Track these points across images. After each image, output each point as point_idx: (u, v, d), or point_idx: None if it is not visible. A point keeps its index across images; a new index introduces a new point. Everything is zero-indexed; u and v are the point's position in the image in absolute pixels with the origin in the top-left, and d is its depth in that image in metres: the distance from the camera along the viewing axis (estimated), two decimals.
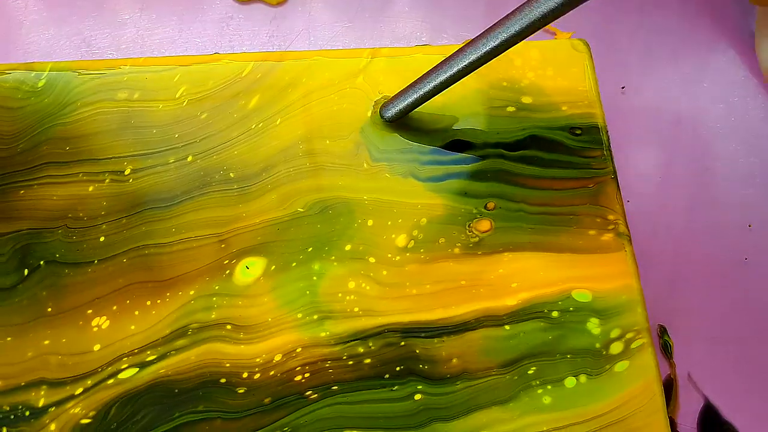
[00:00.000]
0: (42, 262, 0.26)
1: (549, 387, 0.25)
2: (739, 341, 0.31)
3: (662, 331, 0.31)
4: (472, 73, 0.29)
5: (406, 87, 0.27)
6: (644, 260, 0.31)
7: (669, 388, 0.30)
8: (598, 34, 0.36)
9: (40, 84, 0.28)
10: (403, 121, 0.28)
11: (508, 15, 0.23)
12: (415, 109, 0.28)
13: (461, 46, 0.25)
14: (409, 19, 0.36)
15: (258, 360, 0.25)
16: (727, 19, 0.37)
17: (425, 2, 0.37)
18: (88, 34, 0.35)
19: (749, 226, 0.33)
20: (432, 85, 0.26)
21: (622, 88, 0.35)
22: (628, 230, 0.27)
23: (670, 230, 0.32)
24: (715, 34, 0.37)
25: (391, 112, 0.28)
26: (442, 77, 0.26)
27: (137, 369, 0.25)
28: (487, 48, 0.24)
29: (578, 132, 0.28)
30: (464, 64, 0.25)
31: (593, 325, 0.26)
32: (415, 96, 0.27)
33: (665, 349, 0.31)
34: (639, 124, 0.34)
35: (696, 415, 0.30)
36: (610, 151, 0.28)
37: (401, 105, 0.27)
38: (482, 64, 0.25)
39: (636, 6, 0.37)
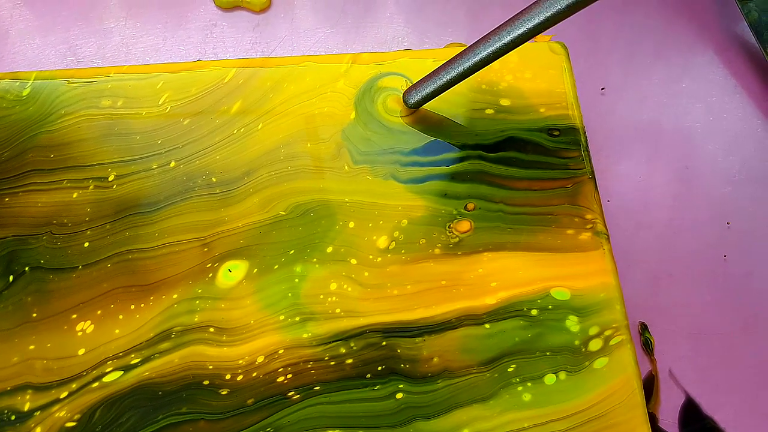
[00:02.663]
0: (27, 268, 0.26)
1: (529, 384, 0.25)
2: (720, 337, 0.31)
3: (643, 329, 0.31)
4: None
5: (430, 74, 0.28)
6: (626, 258, 0.32)
7: (650, 384, 0.30)
8: (579, 35, 0.37)
9: (25, 93, 0.29)
10: (383, 123, 0.29)
11: (531, 5, 0.24)
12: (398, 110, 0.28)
13: (486, 34, 0.26)
14: (392, 24, 0.37)
15: (241, 362, 0.25)
16: (707, 19, 0.38)
17: (407, 7, 0.37)
18: (73, 43, 0.35)
19: (728, 224, 0.33)
20: (455, 72, 0.27)
21: (602, 89, 0.35)
22: (606, 229, 0.27)
23: (652, 229, 0.33)
24: (695, 34, 0.37)
25: (414, 98, 0.28)
26: (465, 65, 0.26)
27: (121, 372, 0.25)
28: (510, 37, 0.25)
29: (556, 133, 0.29)
30: (487, 52, 0.25)
31: (572, 323, 0.26)
32: (438, 83, 0.27)
33: (646, 346, 0.31)
34: (619, 124, 0.35)
35: (677, 411, 0.30)
36: (588, 151, 0.29)
37: (424, 92, 0.28)
38: (503, 54, 0.25)
39: (616, 7, 0.38)
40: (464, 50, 0.26)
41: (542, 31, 0.24)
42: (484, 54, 0.26)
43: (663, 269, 0.32)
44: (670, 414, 0.30)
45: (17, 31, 0.35)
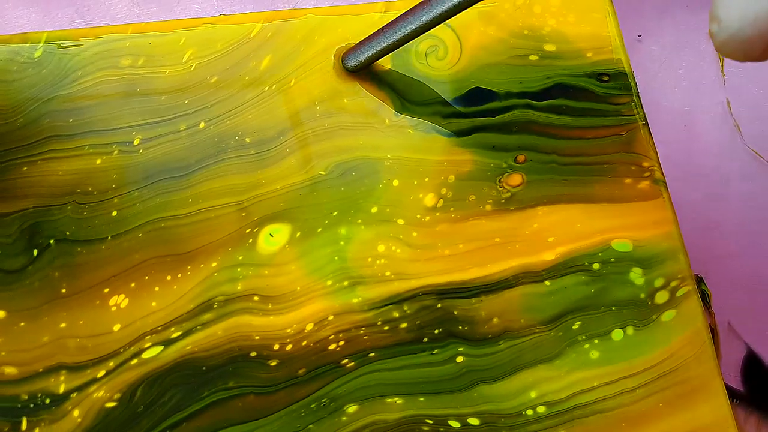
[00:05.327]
0: (52, 241, 0.24)
1: (596, 341, 0.24)
2: None
3: (699, 281, 0.30)
4: (490, 22, 0.28)
5: (371, 35, 0.26)
6: (675, 208, 0.31)
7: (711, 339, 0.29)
8: None
9: (37, 54, 0.27)
10: (420, 73, 0.27)
11: None
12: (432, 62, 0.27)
13: None
14: None
15: (289, 330, 0.24)
16: None
17: None
18: (80, 4, 0.33)
19: None
20: (398, 35, 0.24)
21: (639, 36, 0.34)
22: (664, 176, 0.26)
23: (699, 179, 0.31)
24: None
25: (352, 62, 0.26)
26: (412, 26, 0.24)
27: (162, 347, 0.23)
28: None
29: (605, 78, 0.27)
30: (435, 13, 0.23)
31: (636, 275, 0.25)
32: (379, 47, 0.25)
33: (703, 299, 0.30)
34: (659, 71, 0.33)
35: (739, 365, 0.29)
36: (639, 96, 0.27)
37: (363, 56, 0.26)
38: (452, 15, 0.23)
39: None
40: (406, 12, 0.24)
41: None
42: (429, 16, 0.23)
43: (713, 220, 0.31)
44: (732, 368, 0.29)
45: None
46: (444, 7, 0.23)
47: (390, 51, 0.25)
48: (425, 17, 0.24)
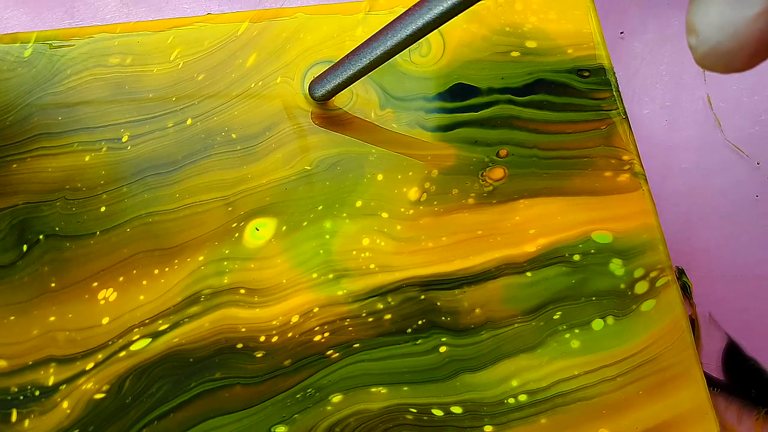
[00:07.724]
0: (41, 237, 0.25)
1: (576, 331, 0.24)
2: (757, 278, 0.30)
3: (680, 273, 0.30)
4: (473, 20, 0.28)
5: (337, 63, 0.25)
6: (657, 204, 0.31)
7: (691, 329, 0.29)
8: None
9: (26, 54, 0.27)
10: (403, 70, 0.28)
11: None
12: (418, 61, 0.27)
13: (397, 16, 0.23)
14: None
15: (275, 322, 0.24)
16: None
17: None
18: (70, 5, 0.33)
19: (758, 164, 0.32)
20: (364, 62, 0.24)
21: (621, 33, 0.34)
22: (643, 169, 0.27)
23: (681, 173, 0.32)
24: None
25: (320, 91, 0.26)
26: (378, 51, 0.23)
27: (150, 339, 0.24)
28: (429, 17, 0.22)
29: (586, 74, 0.28)
30: (404, 35, 0.22)
31: (616, 266, 0.25)
32: (345, 75, 0.25)
33: (684, 291, 0.30)
34: (641, 68, 0.34)
35: (719, 354, 0.29)
36: (619, 91, 0.28)
37: (330, 85, 0.25)
38: (423, 36, 0.22)
39: None
40: (373, 36, 0.23)
41: (460, 12, 0.21)
42: (396, 40, 0.23)
43: (694, 213, 0.31)
44: (713, 358, 0.29)
45: None
46: (409, 31, 0.22)
47: (357, 78, 0.25)
48: (390, 42, 0.23)
